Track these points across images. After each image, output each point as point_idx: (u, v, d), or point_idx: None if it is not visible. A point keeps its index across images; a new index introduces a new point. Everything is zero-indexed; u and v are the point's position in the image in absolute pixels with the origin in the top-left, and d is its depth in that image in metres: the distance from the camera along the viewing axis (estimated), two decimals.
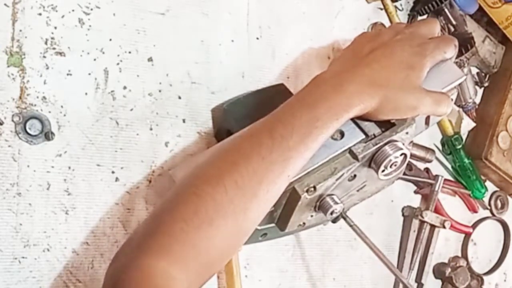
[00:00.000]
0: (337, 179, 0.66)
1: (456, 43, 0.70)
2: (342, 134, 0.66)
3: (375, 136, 0.66)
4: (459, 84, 0.87)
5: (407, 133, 0.67)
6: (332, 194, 0.67)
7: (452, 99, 0.72)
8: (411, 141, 0.70)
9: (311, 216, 0.68)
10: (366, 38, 0.70)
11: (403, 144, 0.66)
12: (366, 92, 0.63)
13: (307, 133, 0.59)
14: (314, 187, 0.64)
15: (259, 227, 0.67)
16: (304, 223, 0.69)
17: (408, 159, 0.68)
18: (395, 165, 0.67)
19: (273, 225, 0.68)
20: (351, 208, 0.74)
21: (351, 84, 0.63)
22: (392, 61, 0.65)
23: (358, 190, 0.70)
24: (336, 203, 0.67)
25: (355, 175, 0.67)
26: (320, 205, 0.67)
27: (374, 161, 0.66)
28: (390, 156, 0.65)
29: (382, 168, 0.66)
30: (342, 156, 0.65)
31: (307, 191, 0.64)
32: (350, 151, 0.66)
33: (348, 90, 0.62)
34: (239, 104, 0.72)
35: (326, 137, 0.61)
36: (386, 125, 0.66)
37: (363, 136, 0.66)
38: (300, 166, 0.60)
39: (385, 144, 0.65)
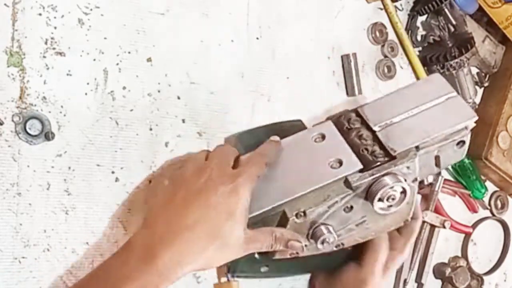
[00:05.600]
0: (329, 207, 0.64)
1: (265, 158, 0.64)
2: (340, 163, 0.64)
3: (373, 167, 0.64)
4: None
5: (408, 167, 0.64)
6: (327, 224, 0.65)
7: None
8: (416, 178, 0.66)
9: (305, 245, 0.65)
10: (175, 180, 0.64)
11: (405, 179, 0.64)
12: (185, 261, 0.57)
13: None
14: (304, 212, 0.63)
15: (256, 256, 0.67)
16: (296, 252, 0.66)
17: (408, 196, 0.65)
18: (393, 199, 0.65)
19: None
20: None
21: (165, 255, 0.56)
22: (210, 213, 0.58)
23: (357, 225, 0.67)
24: (329, 232, 0.64)
25: (351, 207, 0.65)
26: (313, 233, 0.64)
27: (369, 192, 0.64)
28: (386, 187, 0.63)
29: (377, 199, 0.63)
30: (337, 184, 0.64)
31: (296, 215, 0.63)
32: (345, 179, 0.64)
33: (162, 263, 0.56)
34: (251, 134, 0.71)
35: None
36: (387, 157, 0.65)
37: (361, 166, 0.64)
38: None
39: (383, 175, 0.63)
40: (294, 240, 0.63)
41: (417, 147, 0.66)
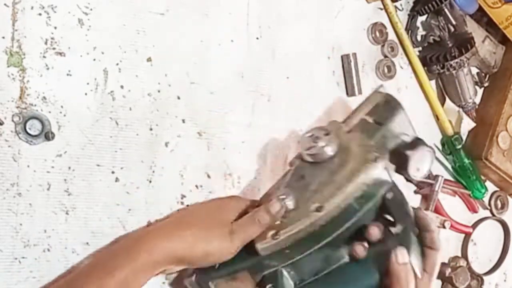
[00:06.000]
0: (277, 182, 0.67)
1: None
2: None
3: None
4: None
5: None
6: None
7: None
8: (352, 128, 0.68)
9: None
10: None
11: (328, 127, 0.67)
12: (169, 238, 0.60)
13: None
14: None
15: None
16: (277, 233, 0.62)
17: (333, 135, 0.65)
18: (316, 139, 0.65)
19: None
20: None
21: (152, 233, 0.61)
22: (196, 204, 0.67)
23: (320, 184, 0.64)
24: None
25: (303, 176, 0.65)
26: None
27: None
28: (306, 136, 0.66)
29: (306, 147, 0.66)
30: None
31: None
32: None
33: (147, 238, 0.60)
34: None
35: None
36: None
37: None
38: None
39: None
40: (269, 202, 0.63)
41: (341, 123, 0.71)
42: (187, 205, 0.71)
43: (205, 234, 0.61)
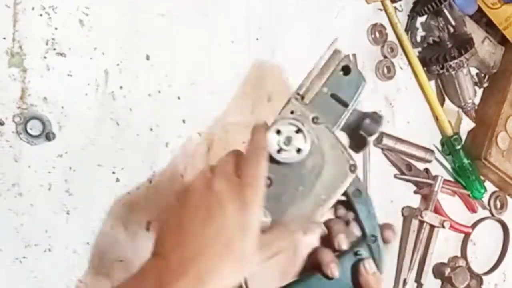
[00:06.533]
0: None
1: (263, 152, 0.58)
2: None
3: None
4: None
5: (292, 112, 0.60)
6: None
7: None
8: (316, 117, 0.60)
9: None
10: (183, 202, 0.57)
11: (301, 123, 0.59)
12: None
13: None
14: None
15: None
16: None
17: (306, 134, 0.58)
18: (289, 140, 0.59)
19: None
20: None
21: (180, 285, 0.52)
22: (221, 233, 0.54)
23: (295, 194, 0.59)
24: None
25: (269, 178, 0.59)
26: None
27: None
28: (273, 134, 0.59)
29: (275, 150, 0.58)
30: None
31: None
32: None
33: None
34: None
35: None
36: None
37: None
38: None
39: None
40: (308, 226, 0.59)
41: (298, 94, 0.61)
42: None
43: (238, 271, 0.55)
